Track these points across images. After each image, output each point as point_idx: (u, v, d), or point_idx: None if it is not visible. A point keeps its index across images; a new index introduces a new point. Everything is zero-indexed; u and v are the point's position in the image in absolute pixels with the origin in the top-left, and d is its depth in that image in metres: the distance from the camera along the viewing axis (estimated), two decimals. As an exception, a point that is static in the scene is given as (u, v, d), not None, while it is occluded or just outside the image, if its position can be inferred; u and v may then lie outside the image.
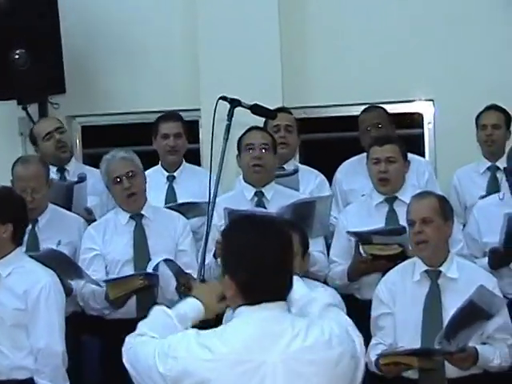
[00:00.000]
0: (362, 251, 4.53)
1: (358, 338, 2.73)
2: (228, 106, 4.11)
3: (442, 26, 6.57)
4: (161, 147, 5.48)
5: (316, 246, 4.71)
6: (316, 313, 2.77)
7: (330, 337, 2.59)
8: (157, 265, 4.54)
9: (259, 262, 2.58)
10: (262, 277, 2.59)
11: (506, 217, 4.49)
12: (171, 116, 5.61)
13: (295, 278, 2.79)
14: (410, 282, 4.09)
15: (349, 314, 3.97)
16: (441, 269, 4.07)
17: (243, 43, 6.45)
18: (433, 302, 3.99)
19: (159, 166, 5.53)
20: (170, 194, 5.42)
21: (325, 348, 2.57)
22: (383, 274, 4.36)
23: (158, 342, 2.66)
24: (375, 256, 4.47)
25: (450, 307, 3.89)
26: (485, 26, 6.53)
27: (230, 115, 4.07)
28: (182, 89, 6.81)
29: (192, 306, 2.84)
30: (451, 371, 3.91)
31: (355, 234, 4.56)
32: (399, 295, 4.09)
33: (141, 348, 2.68)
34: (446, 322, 3.89)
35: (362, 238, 4.53)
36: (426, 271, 4.07)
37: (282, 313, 2.62)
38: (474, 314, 3.76)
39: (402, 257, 4.38)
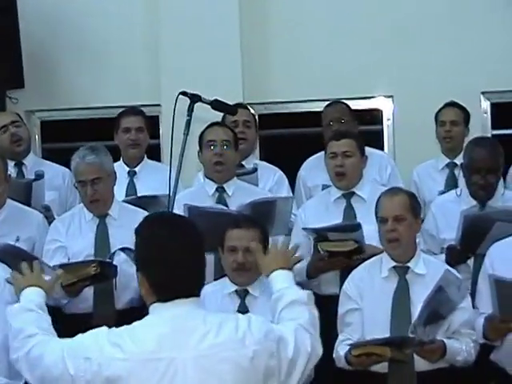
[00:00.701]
0: (319, 248, 4.53)
1: (310, 337, 2.73)
2: (188, 101, 4.10)
3: (401, 24, 6.62)
4: (122, 141, 5.46)
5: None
6: (279, 309, 2.81)
7: (243, 334, 2.57)
8: (113, 254, 4.51)
9: (169, 259, 2.60)
10: (172, 274, 2.60)
11: (461, 215, 4.51)
12: (133, 110, 5.59)
13: (284, 272, 2.92)
14: (378, 278, 4.10)
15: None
16: (409, 265, 4.08)
17: (204, 39, 6.46)
18: (401, 297, 4.00)
19: (121, 161, 5.50)
20: (131, 190, 5.39)
21: (237, 345, 2.55)
22: (342, 272, 4.38)
23: (63, 342, 2.67)
24: (332, 253, 4.47)
25: (418, 302, 3.91)
26: (441, 24, 6.59)
27: (190, 110, 4.07)
28: (142, 84, 6.81)
29: (36, 293, 2.98)
30: (419, 364, 3.93)
31: (311, 230, 4.56)
32: (367, 291, 4.09)
33: (43, 351, 2.68)
34: (414, 317, 3.91)
35: (318, 234, 4.53)
36: (394, 267, 4.09)
37: (194, 309, 2.61)
38: (441, 301, 3.80)
39: (358, 253, 4.39)
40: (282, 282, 2.94)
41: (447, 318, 3.94)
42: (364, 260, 4.28)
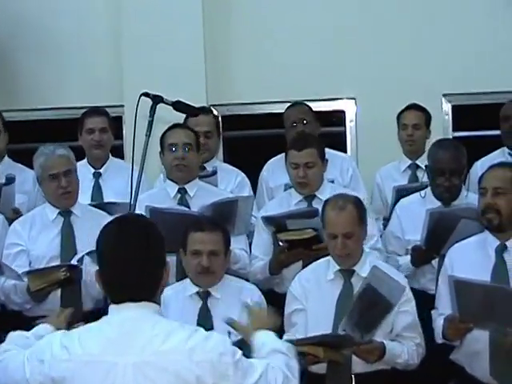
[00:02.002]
0: (278, 240, 4.53)
1: (284, 377, 2.68)
2: (150, 102, 4.10)
3: (364, 26, 6.66)
4: (86, 142, 5.44)
5: (238, 244, 4.71)
6: (259, 357, 2.77)
7: (193, 348, 2.51)
8: (81, 258, 4.50)
9: (120, 262, 2.59)
10: (122, 277, 2.59)
11: (427, 212, 4.54)
12: (97, 111, 5.56)
13: (266, 331, 2.90)
14: (324, 280, 4.10)
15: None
16: (354, 268, 4.08)
17: (167, 40, 6.45)
18: (345, 300, 3.99)
19: (85, 161, 5.49)
20: (97, 191, 5.40)
21: (182, 357, 2.50)
22: (304, 267, 4.38)
23: (28, 350, 2.69)
24: (291, 242, 4.47)
25: None
26: (405, 25, 6.64)
27: (153, 111, 4.08)
28: (105, 85, 6.78)
29: (44, 329, 3.02)
30: (358, 366, 3.94)
31: (269, 218, 4.56)
32: (312, 292, 4.10)
33: (9, 361, 2.72)
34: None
35: (276, 223, 4.52)
36: (339, 270, 4.09)
37: (145, 314, 2.59)
38: (373, 299, 3.80)
39: (317, 241, 4.38)
40: (263, 337, 2.90)
41: (386, 317, 3.93)
42: (325, 251, 4.24)
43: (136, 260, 2.59)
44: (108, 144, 5.51)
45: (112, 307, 2.62)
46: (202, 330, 2.62)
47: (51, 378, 2.57)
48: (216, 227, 4.06)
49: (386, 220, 5.15)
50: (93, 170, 5.45)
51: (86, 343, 2.56)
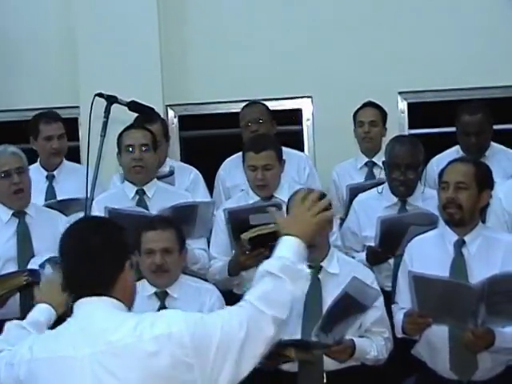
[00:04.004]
0: (241, 240, 4.50)
1: (249, 315, 2.55)
2: (105, 103, 4.09)
3: (320, 24, 6.68)
4: (43, 149, 5.41)
5: (198, 244, 4.72)
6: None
7: (141, 330, 2.50)
8: (43, 263, 4.46)
9: (76, 259, 2.62)
10: (79, 272, 2.61)
11: (378, 220, 4.57)
12: (52, 117, 5.51)
13: (293, 240, 2.70)
14: None
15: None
16: (322, 264, 4.09)
17: (122, 40, 6.43)
18: (313, 296, 3.99)
19: (38, 164, 5.44)
20: (50, 193, 5.36)
21: (132, 340, 2.49)
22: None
23: (3, 353, 2.71)
24: (253, 241, 4.45)
25: (330, 301, 3.89)
26: (361, 24, 6.67)
27: (107, 112, 4.07)
28: (61, 86, 6.74)
29: (41, 311, 3.02)
30: (329, 364, 3.95)
31: (232, 213, 4.53)
32: None
33: None
34: (326, 316, 3.93)
35: (239, 218, 4.50)
36: (307, 266, 4.09)
37: (100, 307, 2.59)
38: (349, 305, 3.81)
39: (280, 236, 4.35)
40: (283, 249, 2.72)
41: (358, 318, 3.96)
42: None
43: (90, 257, 2.60)
44: (65, 149, 5.49)
45: (75, 304, 2.64)
46: (153, 313, 2.63)
47: (20, 381, 2.58)
48: (168, 225, 4.05)
49: (342, 220, 5.17)
50: (46, 173, 5.43)
51: (49, 341, 2.60)
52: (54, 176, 5.43)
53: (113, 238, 2.67)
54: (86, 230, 2.68)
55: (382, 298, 4.10)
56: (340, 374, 3.97)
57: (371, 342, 4.03)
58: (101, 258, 2.61)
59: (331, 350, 3.87)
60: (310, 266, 4.02)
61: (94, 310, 2.59)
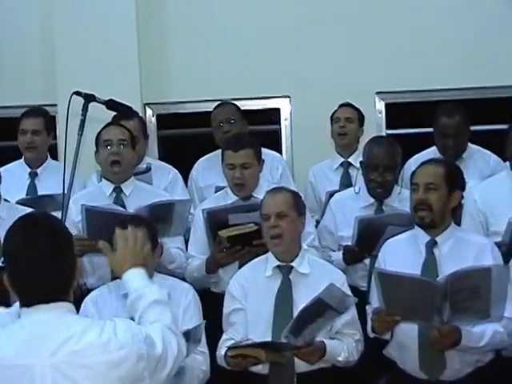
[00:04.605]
0: (220, 240, 4.51)
1: (176, 338, 2.66)
2: (83, 101, 4.09)
3: (298, 24, 6.70)
4: (20, 143, 5.43)
5: (174, 243, 4.72)
6: (140, 309, 2.71)
7: (108, 339, 2.49)
8: None
9: (26, 262, 2.53)
10: (30, 278, 2.53)
11: (355, 219, 4.59)
12: (33, 112, 5.52)
13: (138, 271, 2.74)
14: (263, 277, 4.09)
15: (207, 308, 4.06)
16: (292, 264, 4.09)
17: (101, 38, 6.42)
18: (284, 296, 4.00)
19: (22, 161, 5.46)
20: (31, 191, 5.36)
21: (100, 351, 2.48)
22: (240, 267, 4.38)
23: None
24: (232, 239, 4.46)
25: (301, 302, 3.90)
26: (339, 24, 6.69)
27: (85, 110, 4.06)
28: (39, 84, 6.73)
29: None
30: (300, 366, 3.94)
31: (211, 212, 4.54)
32: (251, 291, 4.09)
33: None
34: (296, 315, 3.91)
35: (218, 217, 4.52)
36: (277, 266, 4.09)
37: (58, 314, 2.55)
38: (321, 310, 3.80)
39: (259, 236, 4.33)
40: (138, 281, 2.76)
41: (330, 323, 3.95)
42: (265, 247, 4.23)
43: (46, 260, 2.53)
44: (41, 146, 5.47)
45: (24, 310, 2.56)
46: (109, 320, 2.59)
47: None
48: (139, 223, 4.01)
49: (318, 222, 5.18)
50: (29, 170, 5.42)
51: (1, 347, 2.52)
52: (36, 173, 5.44)
53: (68, 241, 2.62)
54: (42, 232, 2.56)
55: (353, 302, 4.07)
56: (311, 376, 3.96)
57: (342, 343, 4.02)
58: (60, 262, 2.56)
59: (301, 352, 3.86)
60: (280, 266, 4.08)
61: (53, 317, 2.53)
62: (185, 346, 2.72)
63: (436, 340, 3.77)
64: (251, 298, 4.08)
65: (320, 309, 3.78)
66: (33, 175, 5.42)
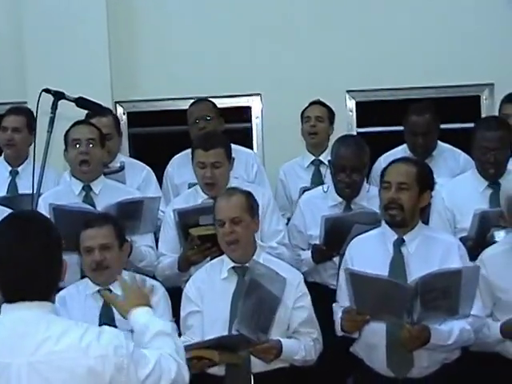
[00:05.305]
0: (190, 238, 4.50)
1: (178, 365, 2.68)
2: (53, 98, 4.07)
3: (269, 23, 6.70)
4: (0, 140, 5.46)
5: (144, 241, 4.71)
6: (145, 341, 2.76)
7: (88, 344, 2.49)
8: None
9: (11, 259, 2.53)
10: (18, 276, 2.53)
11: (322, 218, 4.60)
12: (15, 110, 5.55)
13: (143, 309, 2.88)
14: (218, 279, 4.06)
15: (177, 306, 4.05)
16: (247, 265, 4.05)
17: (71, 36, 6.40)
18: (239, 296, 3.94)
19: (2, 157, 5.48)
20: (12, 189, 5.35)
21: (77, 354, 2.47)
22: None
23: None
24: (202, 238, 4.46)
25: None
26: (310, 23, 6.70)
27: (54, 108, 4.05)
28: (8, 82, 6.69)
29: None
30: (257, 366, 3.93)
31: (181, 213, 4.52)
32: (207, 293, 4.06)
33: None
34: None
35: (189, 218, 4.50)
36: (233, 268, 4.06)
37: (39, 313, 2.54)
38: (259, 294, 3.80)
39: None
40: (143, 317, 2.88)
41: (276, 312, 3.90)
42: None
43: (37, 259, 2.54)
44: (21, 144, 5.45)
45: (5, 306, 2.56)
46: (94, 326, 2.59)
47: None
48: (105, 221, 4.04)
49: (289, 220, 5.19)
50: (9, 168, 5.43)
51: None
52: (17, 172, 5.44)
53: (57, 240, 2.62)
54: (32, 231, 2.57)
55: (309, 298, 4.08)
56: (268, 376, 3.94)
57: (299, 342, 4.00)
58: (48, 262, 2.56)
59: (256, 349, 3.84)
60: (236, 268, 4.06)
61: (33, 316, 2.53)
62: (187, 374, 2.74)
63: (406, 340, 3.80)
64: (207, 300, 4.04)
65: (259, 294, 3.78)
66: (13, 173, 5.42)
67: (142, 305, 2.94)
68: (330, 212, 4.74)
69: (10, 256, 2.54)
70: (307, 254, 4.80)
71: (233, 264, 4.07)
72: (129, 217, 4.42)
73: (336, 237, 4.57)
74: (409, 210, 3.99)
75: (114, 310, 3.73)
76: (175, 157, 5.67)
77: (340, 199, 4.84)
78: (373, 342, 3.98)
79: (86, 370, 2.47)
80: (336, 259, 4.69)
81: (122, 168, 5.19)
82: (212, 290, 4.06)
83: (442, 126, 5.44)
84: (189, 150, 5.12)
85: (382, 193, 4.07)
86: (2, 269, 2.56)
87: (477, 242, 4.34)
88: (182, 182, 5.37)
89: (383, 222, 4.13)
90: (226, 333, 3.89)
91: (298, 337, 4.02)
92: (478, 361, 4.08)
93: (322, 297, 4.20)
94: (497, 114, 5.61)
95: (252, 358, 3.90)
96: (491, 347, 4.04)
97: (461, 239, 4.23)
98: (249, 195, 4.12)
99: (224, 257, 4.12)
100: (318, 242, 4.70)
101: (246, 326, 3.79)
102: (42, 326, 2.51)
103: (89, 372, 2.47)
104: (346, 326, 3.94)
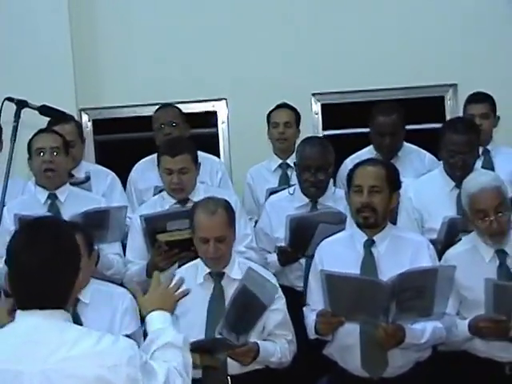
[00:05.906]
0: (157, 241, 4.47)
1: (183, 381, 2.68)
2: (15, 107, 4.04)
3: (234, 26, 6.70)
4: None
5: (112, 249, 4.69)
6: (153, 349, 2.75)
7: (102, 352, 2.48)
8: None
9: (25, 267, 2.51)
10: (28, 283, 2.52)
11: (287, 218, 4.60)
12: None
13: (162, 313, 2.88)
14: (194, 285, 3.98)
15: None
16: (224, 270, 4.04)
17: (33, 43, 6.36)
18: (216, 302, 3.96)
19: None
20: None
21: (90, 362, 2.46)
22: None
23: None
24: (170, 244, 4.43)
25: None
26: (274, 26, 6.71)
27: (17, 116, 4.02)
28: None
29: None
30: (233, 368, 3.92)
31: (149, 219, 4.49)
32: (183, 299, 4.04)
33: None
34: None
35: (156, 224, 4.47)
36: (209, 273, 4.05)
37: (52, 321, 2.52)
38: (248, 302, 3.79)
39: None
40: (157, 323, 2.87)
41: (260, 318, 3.91)
42: None
43: (46, 265, 2.51)
44: None
45: (19, 313, 2.55)
46: (109, 334, 2.57)
47: None
48: (74, 229, 3.97)
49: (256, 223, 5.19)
50: None
51: None
52: None
53: (70, 248, 2.60)
54: (43, 238, 2.54)
55: (283, 301, 4.07)
56: (244, 378, 3.94)
57: (275, 344, 4.00)
58: (60, 270, 2.54)
59: (235, 352, 3.84)
60: (212, 273, 4.04)
61: (47, 324, 2.51)
62: None
63: (382, 340, 3.81)
64: (183, 306, 3.92)
65: (247, 300, 3.77)
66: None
67: (163, 309, 2.93)
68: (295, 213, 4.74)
69: (18, 263, 2.53)
70: (273, 257, 4.80)
71: (208, 270, 4.05)
72: (95, 226, 4.39)
73: (301, 237, 4.57)
74: (381, 212, 4.01)
75: (82, 318, 3.75)
76: (139, 162, 5.66)
77: (306, 200, 4.85)
78: (347, 344, 3.98)
79: (98, 378, 2.45)
80: (302, 261, 4.70)
81: (87, 179, 5.16)
82: (188, 295, 4.02)
83: (407, 127, 5.47)
84: (153, 156, 5.11)
85: (352, 196, 4.07)
86: (12, 276, 2.55)
87: (445, 246, 4.36)
88: (147, 188, 5.35)
89: (351, 223, 4.14)
90: (202, 336, 3.87)
91: (273, 339, 4.02)
92: (448, 360, 4.11)
93: (288, 299, 4.16)
94: (461, 114, 5.65)
95: (228, 360, 3.89)
96: (459, 345, 4.06)
97: (430, 242, 4.25)
98: (228, 207, 4.06)
99: (198, 262, 4.09)
100: (284, 244, 4.70)
101: (229, 330, 3.78)
102: (55, 333, 2.50)
103: (100, 381, 2.45)
104: (320, 328, 3.94)
